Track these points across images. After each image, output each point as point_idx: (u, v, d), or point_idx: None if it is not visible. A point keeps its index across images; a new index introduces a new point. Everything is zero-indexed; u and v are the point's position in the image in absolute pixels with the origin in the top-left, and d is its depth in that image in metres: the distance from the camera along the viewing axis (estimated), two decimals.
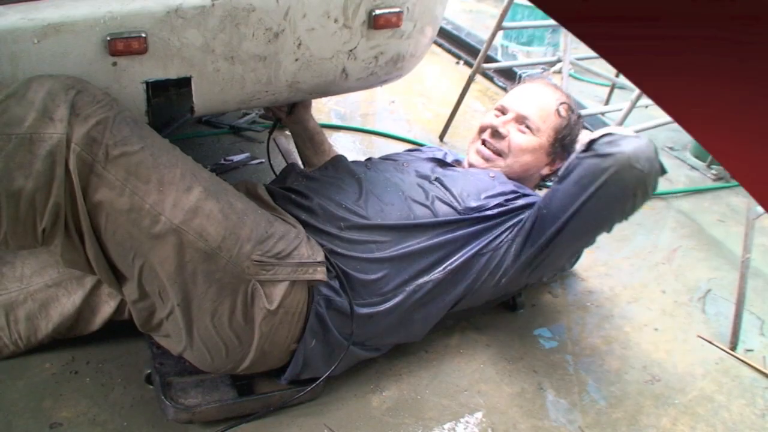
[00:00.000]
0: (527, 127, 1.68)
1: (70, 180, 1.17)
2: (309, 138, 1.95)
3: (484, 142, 1.71)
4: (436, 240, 1.49)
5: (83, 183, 1.18)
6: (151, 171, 1.22)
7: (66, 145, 1.15)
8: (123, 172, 1.20)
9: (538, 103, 1.71)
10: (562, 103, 1.70)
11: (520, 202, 1.57)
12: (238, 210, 1.32)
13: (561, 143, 1.71)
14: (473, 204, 1.54)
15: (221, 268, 1.28)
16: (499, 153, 1.69)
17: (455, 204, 1.54)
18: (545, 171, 1.73)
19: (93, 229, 1.23)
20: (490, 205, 1.55)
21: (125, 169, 1.20)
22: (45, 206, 1.18)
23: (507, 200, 1.57)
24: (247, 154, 2.48)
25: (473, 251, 1.52)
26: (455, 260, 1.51)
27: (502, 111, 1.73)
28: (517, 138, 1.68)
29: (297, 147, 2.02)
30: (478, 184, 1.60)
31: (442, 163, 1.74)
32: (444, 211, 1.53)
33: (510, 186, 1.60)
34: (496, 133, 1.69)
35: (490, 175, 1.63)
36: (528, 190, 1.63)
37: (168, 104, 1.36)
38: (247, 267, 1.30)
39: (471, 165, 1.73)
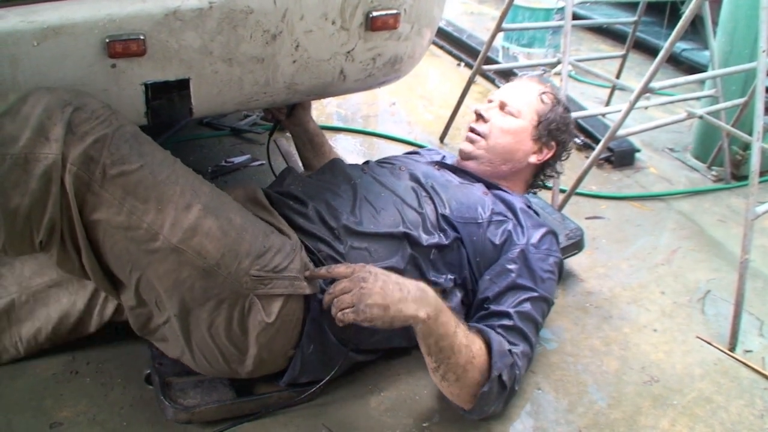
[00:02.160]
0: (509, 111, 1.71)
1: (66, 198, 1.17)
2: (309, 140, 1.95)
3: (471, 130, 1.75)
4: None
5: (80, 201, 1.18)
6: (150, 190, 1.22)
7: (62, 164, 1.15)
8: (120, 192, 1.19)
9: (520, 91, 1.76)
10: (544, 92, 1.74)
11: (507, 227, 1.57)
12: (236, 226, 1.31)
13: (546, 128, 1.72)
14: (458, 214, 1.55)
15: (219, 283, 1.28)
16: (482, 136, 1.72)
17: (443, 209, 1.54)
18: (533, 159, 1.73)
19: (90, 242, 1.23)
20: (479, 219, 1.56)
21: (123, 188, 1.19)
22: (41, 222, 1.18)
23: (496, 219, 1.58)
24: (247, 156, 2.49)
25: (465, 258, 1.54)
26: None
27: (489, 102, 1.79)
28: (498, 121, 1.71)
29: (297, 149, 2.02)
30: (468, 196, 1.60)
31: (440, 165, 1.75)
32: (433, 218, 1.54)
33: (501, 207, 1.60)
34: (480, 117, 1.73)
35: (482, 191, 1.64)
36: (516, 214, 1.61)
37: (167, 106, 1.37)
38: (245, 282, 1.29)
39: (459, 152, 1.76)
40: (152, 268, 1.25)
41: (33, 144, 1.14)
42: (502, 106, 1.72)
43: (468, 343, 1.34)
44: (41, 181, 1.14)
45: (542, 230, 1.59)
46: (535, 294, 1.49)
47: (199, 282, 1.27)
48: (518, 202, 1.64)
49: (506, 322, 1.44)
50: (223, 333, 1.32)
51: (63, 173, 1.15)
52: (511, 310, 1.45)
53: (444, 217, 1.53)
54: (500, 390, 1.38)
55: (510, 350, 1.40)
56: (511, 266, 1.51)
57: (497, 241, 1.54)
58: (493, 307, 1.47)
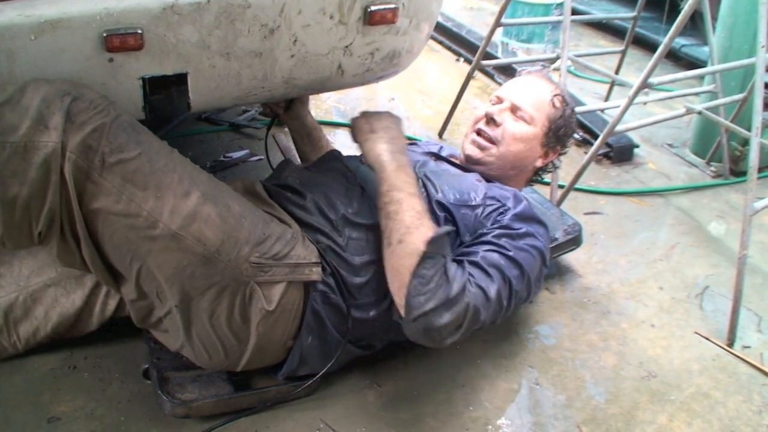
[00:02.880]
0: (521, 117, 1.67)
1: (66, 187, 1.17)
2: (306, 134, 1.95)
3: (479, 132, 1.70)
4: None
5: (79, 190, 1.18)
6: (149, 177, 1.22)
7: (61, 153, 1.15)
8: (119, 180, 1.20)
9: (532, 93, 1.70)
10: (556, 95, 1.71)
11: (500, 211, 1.54)
12: (235, 213, 1.31)
13: (555, 134, 1.70)
14: (452, 197, 1.52)
15: (219, 271, 1.28)
16: (493, 141, 1.67)
17: (436, 195, 1.52)
18: (539, 163, 1.73)
19: (90, 233, 1.23)
20: (464, 202, 1.53)
21: (122, 176, 1.20)
22: (40, 212, 1.18)
23: (490, 203, 1.55)
24: (246, 151, 2.49)
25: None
26: None
27: (498, 101, 1.73)
28: (511, 126, 1.66)
29: (294, 143, 2.02)
30: (462, 183, 1.58)
31: (436, 156, 1.74)
32: (426, 207, 1.52)
33: (495, 192, 1.58)
34: (491, 121, 1.68)
35: (476, 179, 1.63)
36: (508, 202, 1.58)
37: (165, 100, 1.36)
38: (246, 269, 1.30)
39: (466, 156, 1.71)
40: (152, 256, 1.25)
41: (33, 132, 1.14)
42: (514, 110, 1.68)
43: (419, 213, 1.35)
44: (41, 170, 1.14)
45: (532, 217, 1.56)
46: (509, 253, 1.43)
47: (200, 269, 1.27)
48: (515, 192, 1.62)
49: (472, 258, 1.40)
50: (224, 322, 1.32)
51: (62, 162, 1.15)
52: (480, 251, 1.42)
53: (438, 202, 1.51)
54: (442, 280, 1.27)
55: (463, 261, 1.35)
56: (491, 230, 1.48)
57: (488, 225, 1.53)
58: (463, 249, 1.45)
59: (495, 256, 1.42)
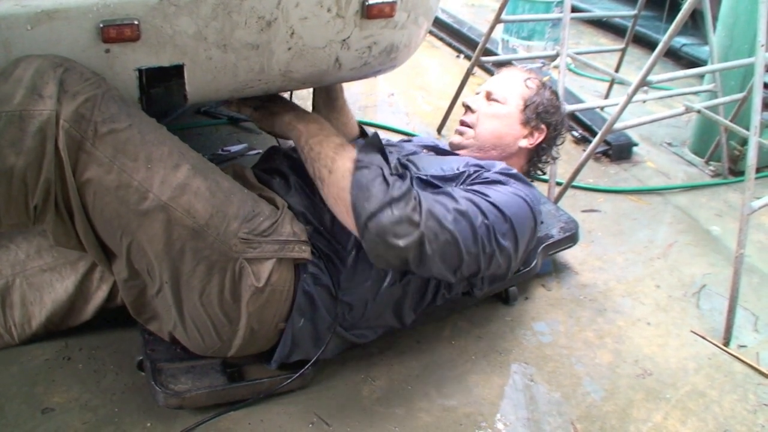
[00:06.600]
0: (494, 99, 1.75)
1: (60, 157, 1.18)
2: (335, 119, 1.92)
3: (461, 122, 1.79)
4: None
5: (72, 160, 1.19)
6: (139, 148, 1.23)
7: (55, 121, 1.16)
8: (111, 149, 1.21)
9: (504, 79, 1.80)
10: (528, 78, 1.78)
11: (484, 175, 1.54)
12: (224, 188, 1.33)
13: (534, 112, 1.73)
14: (432, 173, 1.54)
15: (209, 245, 1.29)
16: (470, 126, 1.76)
17: (417, 173, 1.54)
18: (525, 143, 1.73)
19: (83, 207, 1.24)
20: (446, 173, 1.55)
21: (113, 146, 1.21)
22: (36, 183, 1.18)
23: (473, 171, 1.55)
24: (244, 145, 2.48)
25: None
26: None
27: (476, 95, 1.83)
28: (484, 108, 1.75)
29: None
30: (444, 161, 1.62)
31: (428, 148, 1.77)
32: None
33: (479, 162, 1.61)
34: (467, 109, 1.78)
35: (461, 154, 1.68)
36: (493, 168, 1.57)
37: (161, 92, 1.36)
38: (234, 244, 1.31)
39: (450, 144, 1.80)
40: (142, 230, 1.26)
41: (27, 101, 1.15)
42: (488, 96, 1.77)
43: (341, 144, 1.40)
44: (36, 138, 1.15)
45: (516, 174, 1.56)
46: (489, 198, 1.42)
47: (189, 243, 1.28)
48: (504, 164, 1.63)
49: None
50: (215, 300, 1.33)
51: (57, 131, 1.16)
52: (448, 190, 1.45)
53: (418, 179, 1.52)
54: (383, 185, 1.29)
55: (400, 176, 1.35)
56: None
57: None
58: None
59: (465, 193, 1.43)
